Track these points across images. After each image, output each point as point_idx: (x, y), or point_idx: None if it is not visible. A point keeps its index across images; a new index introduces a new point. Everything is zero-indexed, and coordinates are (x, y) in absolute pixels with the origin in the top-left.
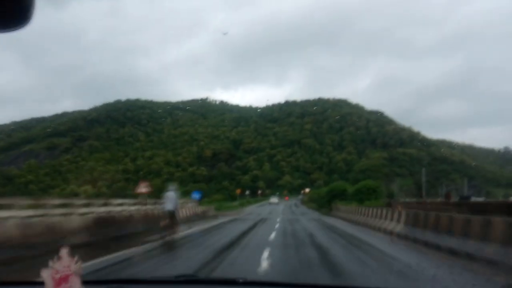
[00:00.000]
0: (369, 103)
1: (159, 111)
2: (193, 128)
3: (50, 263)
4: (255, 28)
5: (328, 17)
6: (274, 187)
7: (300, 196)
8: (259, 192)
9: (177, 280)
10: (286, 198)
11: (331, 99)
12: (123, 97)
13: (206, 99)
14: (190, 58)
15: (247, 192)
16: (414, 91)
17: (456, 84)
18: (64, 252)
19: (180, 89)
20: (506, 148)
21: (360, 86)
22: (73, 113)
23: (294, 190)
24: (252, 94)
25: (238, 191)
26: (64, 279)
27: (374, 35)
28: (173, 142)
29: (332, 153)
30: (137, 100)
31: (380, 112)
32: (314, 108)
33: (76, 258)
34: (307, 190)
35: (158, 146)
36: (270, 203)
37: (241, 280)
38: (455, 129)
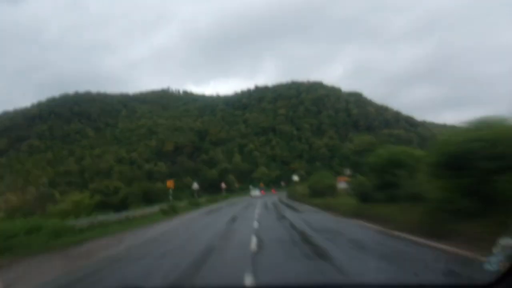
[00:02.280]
0: (345, 87)
1: (113, 103)
2: (152, 120)
3: None
4: (224, 19)
5: (301, 4)
6: (247, 180)
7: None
8: (223, 186)
9: None
10: (262, 192)
11: (306, 82)
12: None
13: (168, 89)
14: (156, 52)
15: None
16: (389, 77)
17: (429, 68)
18: None
19: (145, 85)
20: None
21: (335, 73)
22: (15, 112)
23: (272, 183)
24: (225, 87)
25: (169, 183)
26: None
27: (347, 22)
28: (128, 137)
29: (311, 139)
30: (87, 94)
31: (358, 94)
32: (289, 90)
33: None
34: (295, 178)
35: (110, 142)
36: (252, 197)
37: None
38: (429, 113)
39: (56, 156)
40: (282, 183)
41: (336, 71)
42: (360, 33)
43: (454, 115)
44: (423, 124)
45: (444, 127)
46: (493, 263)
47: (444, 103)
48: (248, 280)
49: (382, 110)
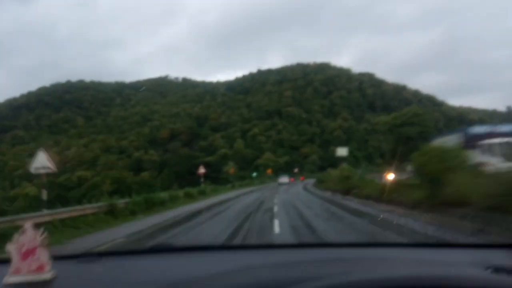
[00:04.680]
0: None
1: (107, 91)
2: (147, 108)
3: (15, 237)
4: (232, 12)
5: None
6: (251, 167)
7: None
8: (202, 172)
9: (152, 250)
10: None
11: (312, 64)
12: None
13: (166, 77)
14: (160, 46)
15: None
16: (396, 65)
17: (435, 55)
18: (28, 225)
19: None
20: (509, 108)
21: (342, 62)
22: (2, 102)
23: (280, 170)
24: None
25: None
26: (31, 252)
27: (354, 10)
28: (120, 125)
29: (323, 121)
30: (80, 82)
31: (371, 74)
32: (295, 73)
33: (41, 231)
34: (342, 152)
35: (101, 131)
36: (279, 184)
37: (217, 246)
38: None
39: (40, 146)
40: (295, 170)
41: (343, 60)
42: (367, 21)
43: (462, 101)
44: (445, 104)
45: (467, 109)
46: None
47: (450, 89)
48: None
49: (399, 89)
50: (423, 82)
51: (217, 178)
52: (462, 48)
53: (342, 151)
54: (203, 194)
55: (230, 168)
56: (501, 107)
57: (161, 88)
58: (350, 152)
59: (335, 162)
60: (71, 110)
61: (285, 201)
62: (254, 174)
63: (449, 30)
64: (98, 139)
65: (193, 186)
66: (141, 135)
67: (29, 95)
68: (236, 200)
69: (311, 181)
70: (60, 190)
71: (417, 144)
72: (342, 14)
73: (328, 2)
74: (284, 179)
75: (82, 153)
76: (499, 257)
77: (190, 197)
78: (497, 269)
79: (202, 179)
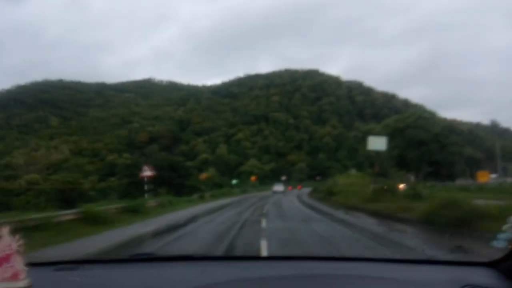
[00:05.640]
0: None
1: (86, 92)
2: (128, 110)
3: None
4: (223, 20)
5: (298, 5)
6: (234, 174)
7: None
8: (146, 177)
9: (132, 259)
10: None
11: (300, 70)
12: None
13: (150, 79)
14: (152, 50)
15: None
16: (384, 78)
17: (423, 69)
18: (4, 231)
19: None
20: (493, 121)
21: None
22: None
23: (266, 177)
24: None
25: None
26: (5, 258)
27: (343, 23)
28: (96, 127)
29: (312, 127)
30: (60, 81)
31: (359, 82)
32: (282, 78)
33: (17, 237)
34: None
35: (75, 132)
36: (274, 192)
37: (200, 256)
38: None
39: (6, 148)
40: (283, 178)
41: (331, 70)
42: (356, 34)
43: (448, 114)
44: (436, 114)
45: (453, 121)
46: (501, 240)
47: (437, 102)
48: None
49: (389, 98)
50: (411, 95)
51: (181, 186)
52: (446, 63)
53: (377, 143)
54: (136, 213)
55: (203, 174)
56: (485, 120)
57: (144, 91)
58: (339, 161)
59: (324, 170)
60: (46, 110)
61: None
62: (234, 182)
63: (434, 46)
64: (70, 141)
65: (136, 197)
66: (118, 138)
67: (7, 93)
68: (180, 233)
69: (306, 191)
70: (6, 196)
71: (432, 149)
72: (331, 27)
73: (317, 15)
74: (279, 187)
75: (49, 155)
76: (476, 276)
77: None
78: None
79: (147, 187)
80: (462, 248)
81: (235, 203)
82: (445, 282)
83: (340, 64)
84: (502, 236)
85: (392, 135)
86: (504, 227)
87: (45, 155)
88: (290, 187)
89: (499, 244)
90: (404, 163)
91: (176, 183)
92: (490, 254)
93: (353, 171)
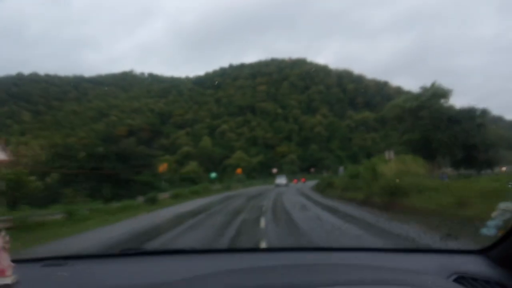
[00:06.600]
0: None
1: (62, 85)
2: (105, 102)
3: None
4: (209, 13)
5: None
6: (220, 168)
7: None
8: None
9: (121, 254)
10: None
11: (287, 59)
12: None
13: (130, 71)
14: (135, 45)
15: None
16: (372, 68)
17: (410, 60)
18: None
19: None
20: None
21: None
22: None
23: (254, 170)
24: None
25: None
26: None
27: (331, 15)
28: (71, 121)
29: (301, 117)
30: (33, 74)
31: (349, 71)
32: (269, 67)
33: (3, 233)
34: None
35: (48, 127)
36: (277, 185)
37: (188, 250)
38: None
39: None
40: (274, 170)
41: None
42: (343, 26)
43: None
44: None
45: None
46: (491, 228)
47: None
48: None
49: (381, 85)
50: (400, 84)
51: (130, 183)
52: (432, 54)
53: (281, 180)
54: None
55: (161, 165)
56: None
57: (124, 83)
58: (332, 151)
59: (316, 161)
60: (17, 104)
61: None
62: (213, 175)
63: (420, 36)
64: (41, 136)
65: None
66: (93, 132)
67: None
68: None
69: (310, 184)
70: None
71: (467, 129)
72: (318, 19)
73: (304, 8)
74: (281, 179)
75: (17, 152)
76: (466, 263)
77: None
78: (461, 276)
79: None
80: (452, 236)
81: (203, 213)
82: (436, 270)
83: (328, 55)
84: (491, 223)
85: (400, 118)
86: (494, 214)
87: (14, 152)
88: (303, 179)
89: (489, 231)
90: (427, 149)
91: (123, 179)
92: None
93: (390, 154)
